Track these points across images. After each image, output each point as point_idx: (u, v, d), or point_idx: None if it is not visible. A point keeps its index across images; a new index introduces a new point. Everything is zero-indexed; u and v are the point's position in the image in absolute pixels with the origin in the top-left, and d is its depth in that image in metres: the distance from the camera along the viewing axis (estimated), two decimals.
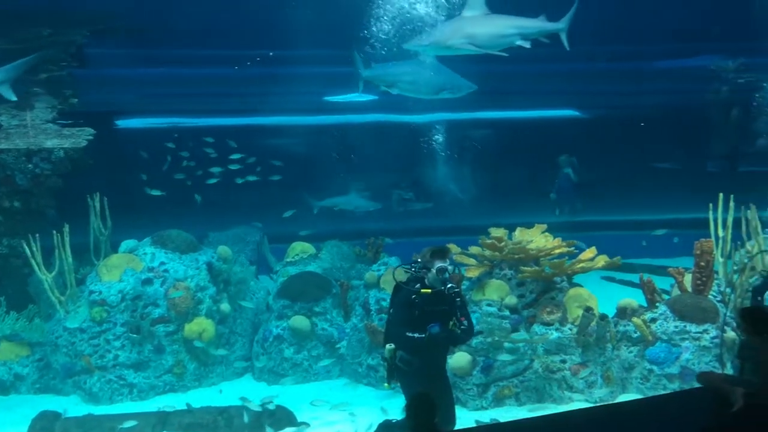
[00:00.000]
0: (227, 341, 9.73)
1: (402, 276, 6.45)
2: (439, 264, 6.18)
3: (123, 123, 15.24)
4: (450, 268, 6.33)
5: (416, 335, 6.04)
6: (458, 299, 6.28)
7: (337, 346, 9.58)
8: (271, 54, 14.34)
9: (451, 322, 6.25)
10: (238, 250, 12.03)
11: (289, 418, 8.06)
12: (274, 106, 14.93)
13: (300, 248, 11.06)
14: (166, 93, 15.15)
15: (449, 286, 6.23)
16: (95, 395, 8.90)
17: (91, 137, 10.71)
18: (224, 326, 9.73)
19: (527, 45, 9.56)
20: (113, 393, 8.94)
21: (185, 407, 8.14)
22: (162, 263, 9.58)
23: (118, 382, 8.97)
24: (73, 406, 8.68)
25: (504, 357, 8.37)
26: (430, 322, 6.07)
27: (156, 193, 12.43)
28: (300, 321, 9.50)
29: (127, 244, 9.96)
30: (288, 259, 10.97)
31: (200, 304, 9.43)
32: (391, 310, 6.52)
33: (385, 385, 6.46)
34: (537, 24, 9.66)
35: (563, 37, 9.80)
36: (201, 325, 9.28)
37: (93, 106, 12.44)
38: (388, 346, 6.26)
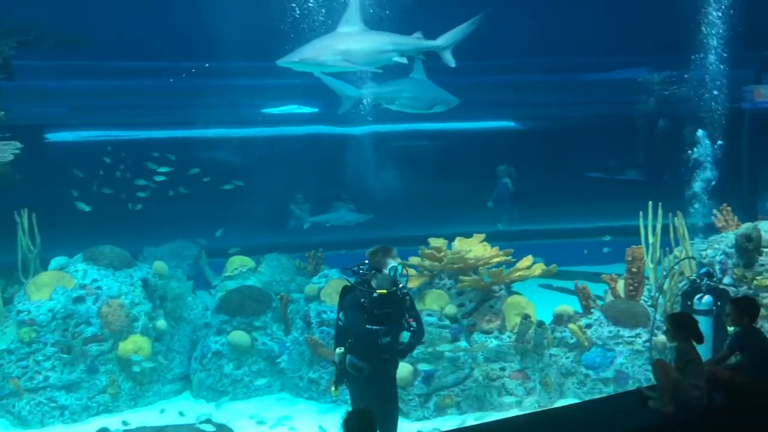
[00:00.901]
0: (164, 359, 9.49)
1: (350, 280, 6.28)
2: (392, 263, 6.06)
3: (53, 136, 14.79)
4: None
5: (375, 327, 5.85)
6: (407, 298, 6.19)
7: (278, 360, 9.45)
8: (206, 66, 14.20)
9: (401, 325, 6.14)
10: (175, 265, 11.73)
11: None
12: (210, 118, 14.75)
13: (239, 262, 10.90)
14: (98, 105, 14.81)
15: (401, 285, 6.10)
16: (24, 419, 8.53)
17: (18, 151, 10.31)
18: (161, 343, 9.47)
19: (404, 61, 9.72)
20: (44, 416, 8.58)
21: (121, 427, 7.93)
22: (94, 280, 9.28)
23: (48, 405, 8.60)
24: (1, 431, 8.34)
25: (423, 366, 8.40)
26: (380, 325, 5.92)
27: (85, 208, 12.07)
28: (239, 336, 9.34)
29: (57, 261, 9.62)
30: (227, 274, 10.79)
31: (135, 322, 9.15)
32: (340, 315, 6.24)
33: (332, 389, 6.20)
34: (412, 41, 9.80)
35: (445, 55, 9.90)
36: (136, 343, 9.01)
37: (21, 119, 12.02)
38: (338, 350, 6.06)
